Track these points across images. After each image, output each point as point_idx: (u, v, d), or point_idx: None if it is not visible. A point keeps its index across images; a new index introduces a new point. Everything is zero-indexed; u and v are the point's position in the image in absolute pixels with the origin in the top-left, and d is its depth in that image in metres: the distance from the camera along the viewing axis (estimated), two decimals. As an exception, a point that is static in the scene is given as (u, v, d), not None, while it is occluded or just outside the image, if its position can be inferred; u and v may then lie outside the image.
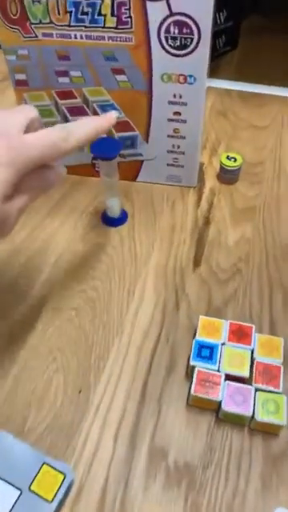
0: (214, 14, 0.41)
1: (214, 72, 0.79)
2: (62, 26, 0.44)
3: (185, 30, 0.42)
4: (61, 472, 0.33)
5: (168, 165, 0.55)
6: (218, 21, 0.71)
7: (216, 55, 0.78)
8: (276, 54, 0.80)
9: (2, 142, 0.30)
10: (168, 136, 0.52)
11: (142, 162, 0.56)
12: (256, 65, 0.77)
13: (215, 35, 0.75)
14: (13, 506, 0.32)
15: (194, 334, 0.41)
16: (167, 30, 0.42)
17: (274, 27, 0.83)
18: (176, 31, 0.42)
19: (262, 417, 0.35)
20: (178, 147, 0.53)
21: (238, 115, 0.69)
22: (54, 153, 0.32)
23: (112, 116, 0.37)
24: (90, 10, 0.42)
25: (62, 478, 0.33)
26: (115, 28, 0.43)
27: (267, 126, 0.66)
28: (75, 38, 0.45)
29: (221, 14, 0.71)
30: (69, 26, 0.44)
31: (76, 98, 0.51)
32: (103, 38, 0.44)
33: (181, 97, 0.48)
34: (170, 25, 0.42)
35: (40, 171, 0.32)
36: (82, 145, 0.34)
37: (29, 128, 0.32)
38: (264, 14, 0.84)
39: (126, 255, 0.50)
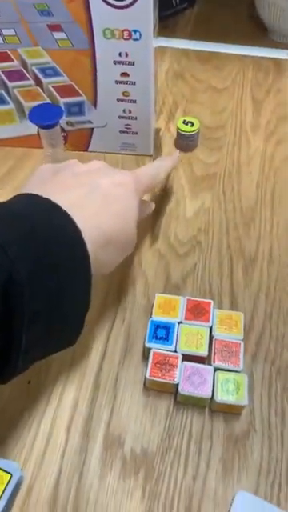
0: None
1: (170, 31, 0.74)
2: (-14, -25, 0.39)
3: (124, -23, 0.38)
4: (6, 472, 0.31)
5: (121, 132, 0.51)
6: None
7: (172, 13, 0.73)
8: (237, 10, 0.75)
9: (132, 177, 0.35)
10: (117, 100, 0.48)
11: (93, 129, 0.51)
12: (216, 22, 0.73)
13: (170, -10, 0.70)
14: None
15: (151, 314, 0.39)
16: (105, -22, 0.38)
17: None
18: (114, -22, 0.38)
19: (221, 397, 0.33)
20: (130, 112, 0.49)
21: (197, 77, 0.64)
22: (154, 183, 0.40)
23: (176, 155, 0.44)
24: None
25: (8, 477, 0.31)
26: (46, -24, 0.38)
27: (227, 87, 0.63)
28: (2, -11, 0.40)
29: None
30: (-6, -25, 0.39)
31: (13, 60, 0.46)
32: (34, -12, 0.39)
33: (127, 55, 0.43)
34: (107, -29, 0.37)
35: (141, 203, 0.38)
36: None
37: None
38: None
39: (77, 232, 0.46)
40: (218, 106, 0.60)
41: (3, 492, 0.30)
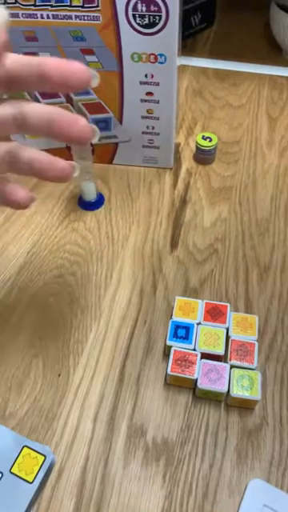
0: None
1: (190, 50, 0.78)
2: (27, 5, 0.43)
3: (152, 8, 0.41)
4: (41, 454, 0.34)
5: (143, 146, 0.55)
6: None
7: (192, 33, 0.77)
8: (254, 30, 0.79)
9: None
10: (142, 117, 0.51)
11: (118, 144, 0.55)
12: (233, 42, 0.76)
13: (190, 12, 0.74)
14: (-6, 488, 0.33)
15: (171, 315, 0.42)
16: (135, 8, 0.42)
17: (252, 1, 0.82)
18: (144, 9, 0.41)
19: (236, 392, 0.36)
20: (153, 128, 0.52)
21: (215, 94, 0.68)
22: None
23: None
24: (55, -12, 0.41)
25: (43, 459, 0.34)
26: (82, 7, 0.42)
27: (243, 104, 0.66)
28: (42, 17, 0.44)
29: (195, -11, 0.70)
30: (35, 5, 0.43)
31: (47, 80, 0.50)
32: (70, 17, 0.43)
33: (152, 76, 0.47)
34: (137, 2, 0.41)
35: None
36: None
37: None
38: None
39: (103, 239, 0.50)
40: (234, 122, 0.63)
41: (38, 471, 0.33)
